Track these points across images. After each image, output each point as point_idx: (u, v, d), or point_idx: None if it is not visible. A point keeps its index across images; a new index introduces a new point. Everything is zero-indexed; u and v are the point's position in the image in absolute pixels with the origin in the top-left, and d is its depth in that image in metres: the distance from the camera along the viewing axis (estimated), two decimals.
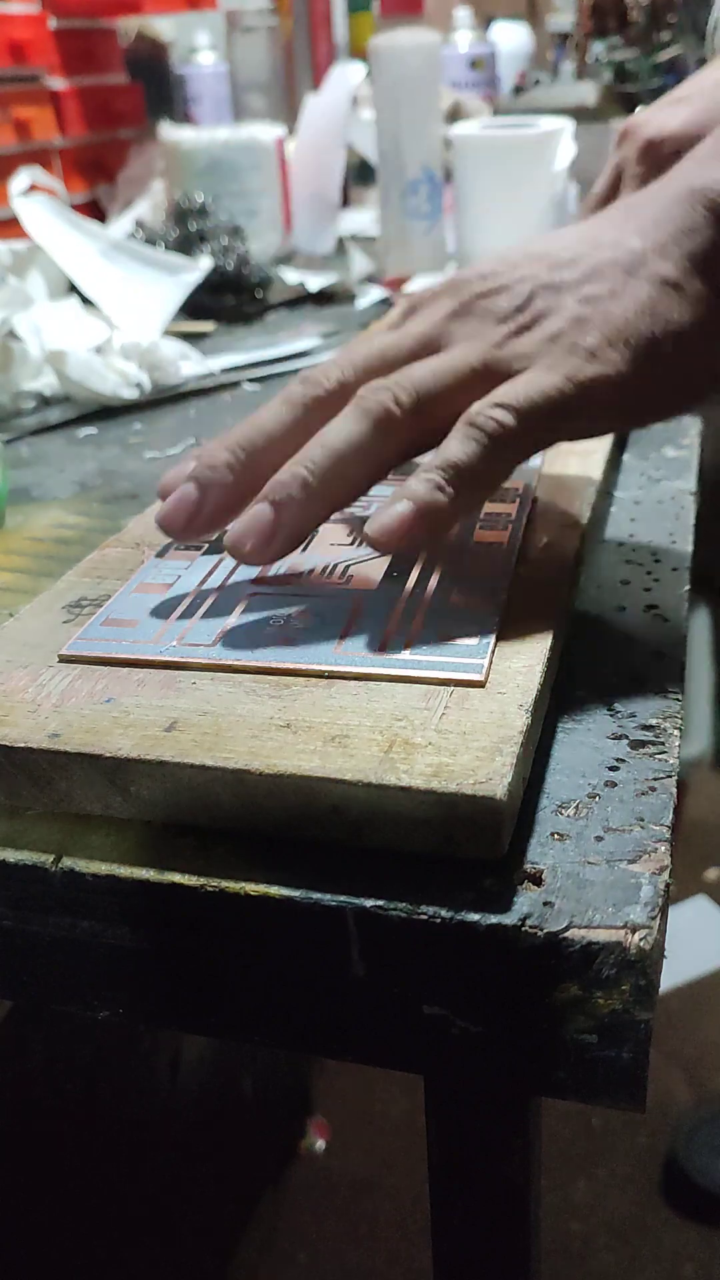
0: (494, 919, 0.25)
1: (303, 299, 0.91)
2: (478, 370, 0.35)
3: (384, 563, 0.37)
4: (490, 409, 0.34)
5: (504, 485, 0.39)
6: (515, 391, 0.34)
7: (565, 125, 0.88)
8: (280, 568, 0.37)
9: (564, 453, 0.46)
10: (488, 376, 0.35)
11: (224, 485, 0.35)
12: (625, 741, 0.31)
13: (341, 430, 0.35)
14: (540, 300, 0.36)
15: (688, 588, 0.39)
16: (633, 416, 0.37)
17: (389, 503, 0.34)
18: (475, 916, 0.25)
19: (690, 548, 0.42)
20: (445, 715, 0.29)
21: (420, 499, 0.33)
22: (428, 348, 0.37)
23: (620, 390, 0.35)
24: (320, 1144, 1.24)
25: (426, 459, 0.35)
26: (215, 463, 0.36)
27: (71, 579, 0.39)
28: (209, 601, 0.35)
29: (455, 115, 1.22)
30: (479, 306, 0.37)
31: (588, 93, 1.16)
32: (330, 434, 0.35)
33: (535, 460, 0.44)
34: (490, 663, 0.31)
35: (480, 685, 0.30)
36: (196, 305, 0.83)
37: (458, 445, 0.34)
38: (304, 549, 0.39)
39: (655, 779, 0.29)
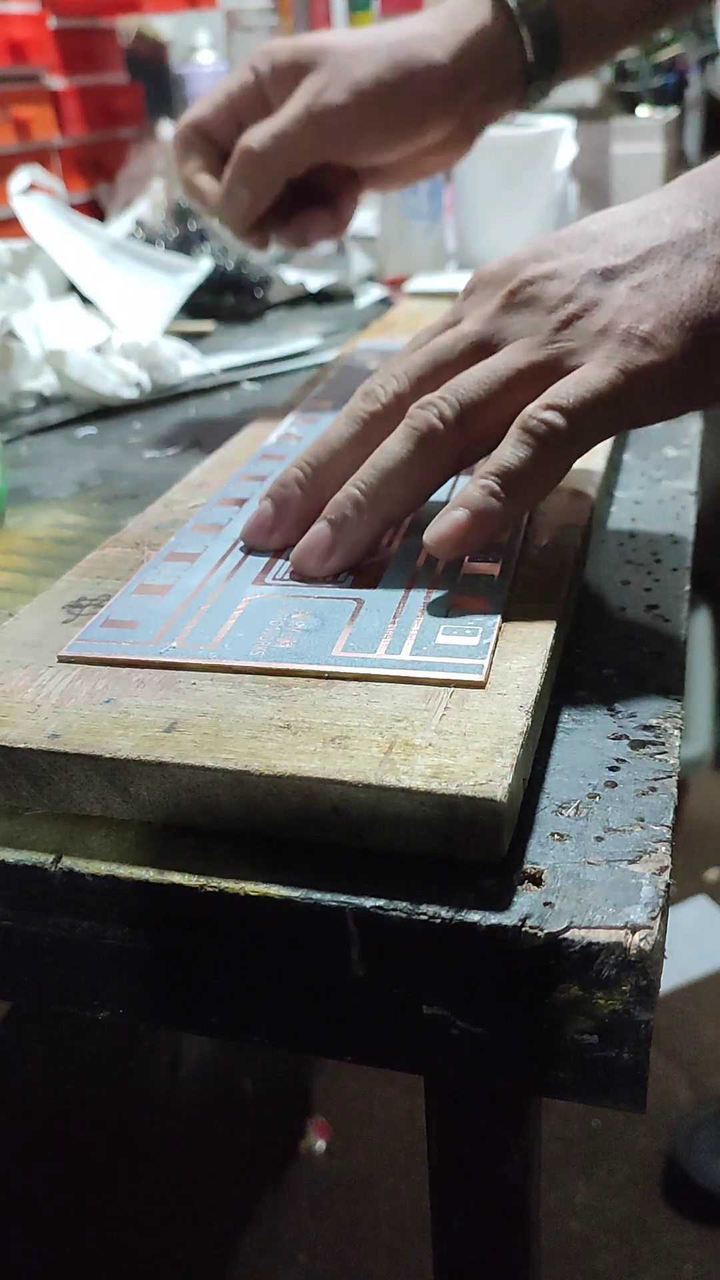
0: (494, 919, 0.25)
1: (303, 298, 0.91)
2: (524, 372, 0.36)
3: (384, 563, 0.37)
4: (541, 412, 0.34)
5: None
6: (566, 391, 0.34)
7: (565, 124, 0.88)
8: (281, 568, 0.37)
9: None
10: (538, 376, 0.36)
11: (294, 500, 0.39)
12: (625, 741, 0.31)
13: (390, 451, 0.36)
14: (592, 287, 0.36)
15: (688, 588, 0.39)
16: (694, 400, 0.36)
17: (446, 510, 0.35)
18: (475, 917, 0.25)
19: (690, 548, 0.42)
20: (445, 716, 0.29)
21: (475, 506, 0.34)
22: (480, 350, 0.37)
23: (677, 376, 0.34)
24: (320, 1144, 1.24)
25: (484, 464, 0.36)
26: (287, 480, 0.39)
27: (71, 579, 0.39)
28: (209, 602, 0.35)
29: None
30: (530, 294, 0.37)
31: (588, 92, 1.16)
32: (381, 455, 0.37)
33: None
34: (490, 663, 0.31)
35: (480, 686, 0.30)
36: (196, 304, 0.83)
37: (510, 451, 0.35)
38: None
39: (655, 779, 0.29)
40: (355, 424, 0.38)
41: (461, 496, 0.35)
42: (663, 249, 0.36)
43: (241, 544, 0.39)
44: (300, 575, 0.37)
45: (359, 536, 0.37)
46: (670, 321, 0.34)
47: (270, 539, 0.39)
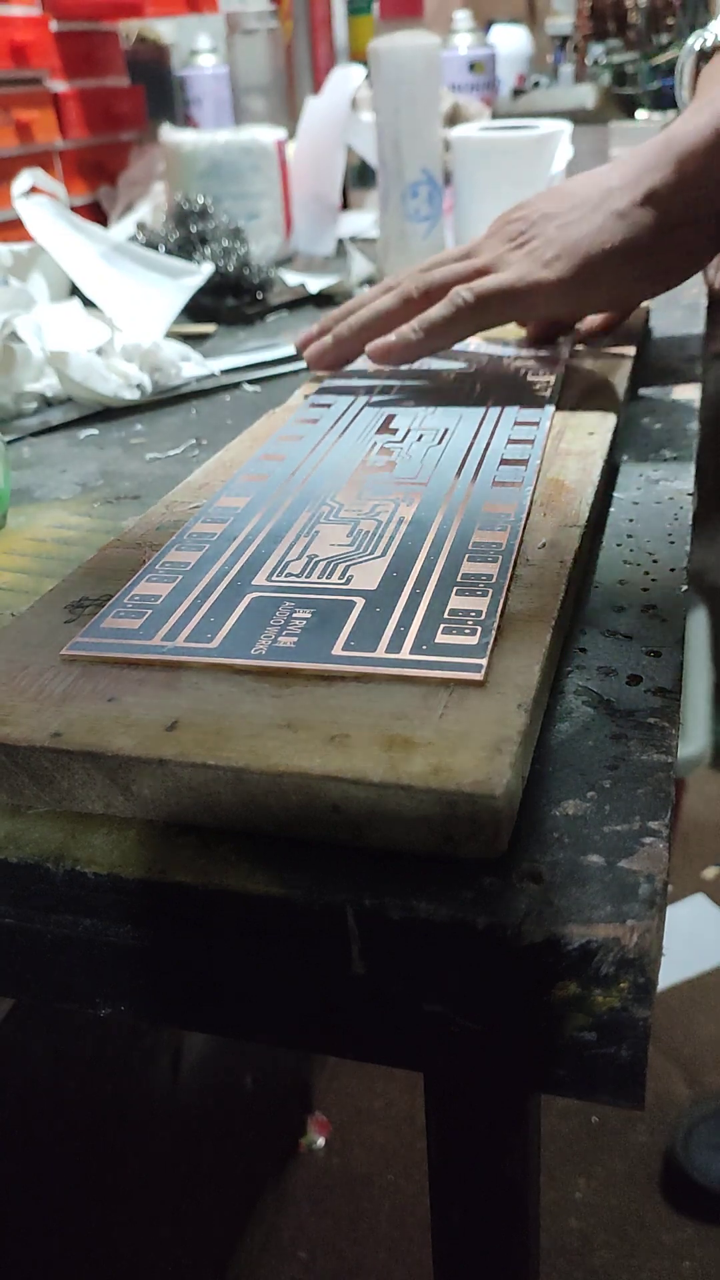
0: (493, 917, 0.25)
1: (303, 301, 0.92)
2: (476, 269, 0.54)
3: (384, 563, 0.37)
4: (463, 290, 0.52)
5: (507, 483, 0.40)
6: (484, 282, 0.52)
7: (564, 128, 0.88)
8: (282, 566, 0.38)
9: (563, 454, 0.46)
10: (479, 274, 0.54)
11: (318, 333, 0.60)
12: (624, 741, 0.31)
13: (380, 302, 0.56)
14: (536, 227, 0.53)
15: (686, 588, 0.39)
16: (568, 306, 0.54)
17: (386, 336, 0.54)
18: (475, 915, 0.26)
19: (688, 548, 0.42)
20: (445, 715, 0.29)
21: (403, 336, 0.54)
22: (462, 259, 0.56)
23: (560, 289, 0.51)
24: (320, 1141, 1.24)
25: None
26: (322, 320, 0.60)
27: (73, 579, 0.39)
28: (210, 601, 0.36)
29: (454, 118, 1.22)
30: (502, 231, 0.55)
31: (586, 95, 1.16)
32: (374, 304, 0.56)
33: (535, 465, 0.45)
34: (490, 662, 0.31)
35: (480, 685, 0.30)
36: (197, 307, 0.83)
37: (436, 309, 0.53)
38: (305, 549, 0.39)
39: (654, 778, 0.30)
40: (372, 297, 0.58)
41: (397, 330, 0.54)
42: (584, 202, 0.52)
43: (242, 543, 0.39)
44: (312, 366, 0.58)
45: (349, 348, 0.57)
46: (565, 252, 0.51)
47: (304, 345, 0.60)
